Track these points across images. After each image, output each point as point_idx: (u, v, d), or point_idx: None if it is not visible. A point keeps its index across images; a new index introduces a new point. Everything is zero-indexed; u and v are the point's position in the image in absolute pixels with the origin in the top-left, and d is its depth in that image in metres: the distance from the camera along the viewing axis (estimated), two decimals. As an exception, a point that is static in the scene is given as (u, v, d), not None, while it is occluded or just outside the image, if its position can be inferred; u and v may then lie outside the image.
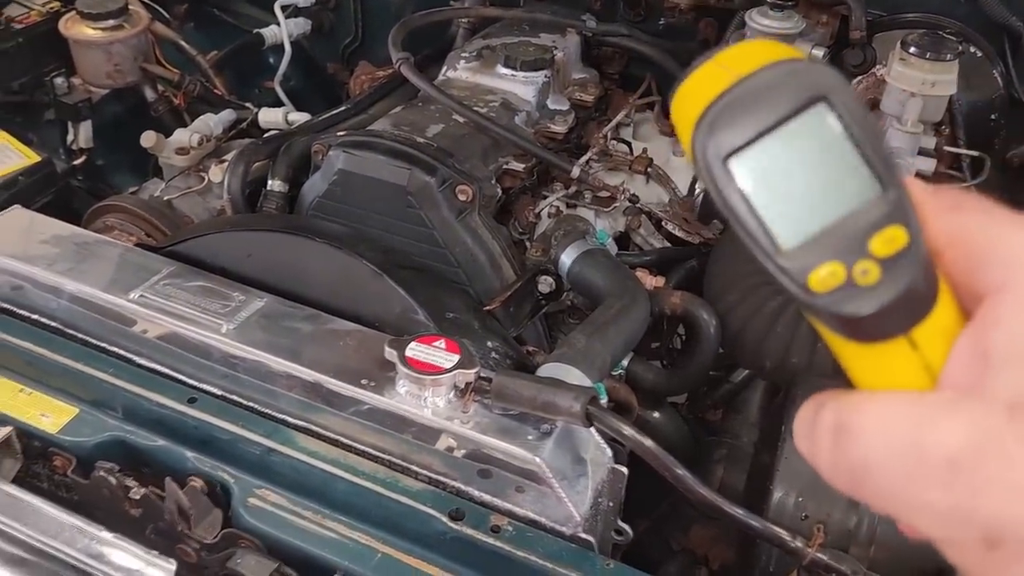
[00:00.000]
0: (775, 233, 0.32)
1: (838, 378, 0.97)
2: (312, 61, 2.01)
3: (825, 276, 0.31)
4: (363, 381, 0.84)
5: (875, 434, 0.31)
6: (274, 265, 0.97)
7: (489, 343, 0.94)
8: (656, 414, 1.22)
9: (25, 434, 0.89)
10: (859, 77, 1.48)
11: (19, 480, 0.89)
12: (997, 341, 0.30)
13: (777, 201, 0.32)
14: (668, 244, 1.39)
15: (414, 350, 0.82)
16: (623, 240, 1.38)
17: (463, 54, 1.47)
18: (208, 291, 0.93)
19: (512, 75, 1.42)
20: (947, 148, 1.40)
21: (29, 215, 1.04)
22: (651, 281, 1.18)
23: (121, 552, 0.73)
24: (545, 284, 1.15)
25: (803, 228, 0.32)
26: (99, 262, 0.97)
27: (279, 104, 1.77)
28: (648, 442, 0.76)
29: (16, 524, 0.79)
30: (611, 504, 0.86)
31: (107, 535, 0.78)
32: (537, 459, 0.78)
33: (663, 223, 1.37)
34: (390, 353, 0.83)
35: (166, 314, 0.90)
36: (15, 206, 1.06)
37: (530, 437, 0.80)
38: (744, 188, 0.32)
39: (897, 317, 0.32)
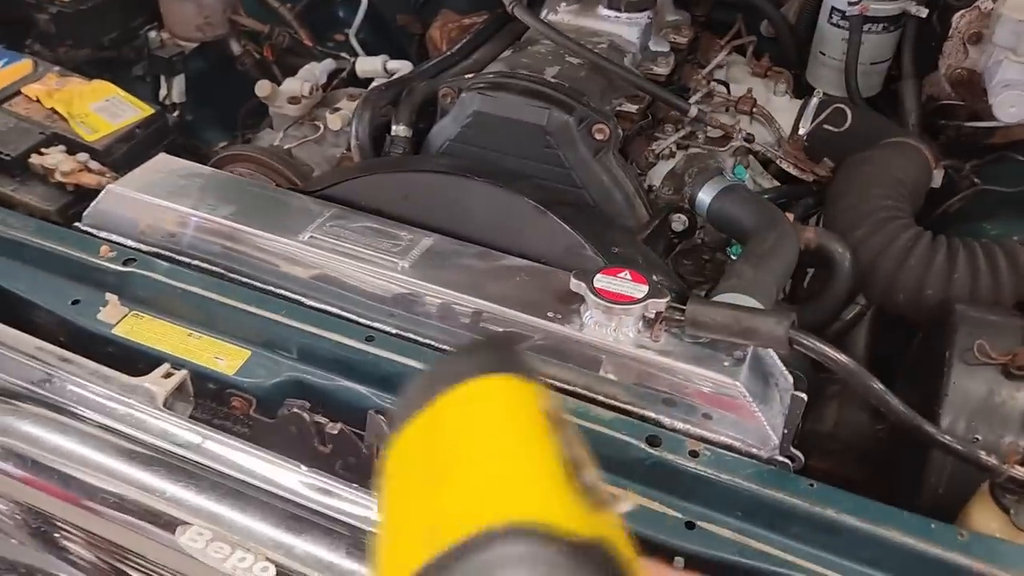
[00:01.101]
0: None
1: (991, 308, 0.97)
2: (379, 14, 1.99)
3: None
4: (549, 314, 0.85)
5: None
6: (433, 205, 0.97)
7: (654, 276, 0.94)
8: (781, 350, 1.23)
9: (199, 376, 0.90)
10: (962, 11, 1.46)
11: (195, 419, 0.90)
12: None
13: None
14: (776, 184, 1.39)
15: (602, 281, 0.83)
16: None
17: (563, -3, 1.45)
18: (375, 231, 0.93)
19: (616, 16, 1.41)
20: (1058, 79, 1.39)
21: (178, 162, 1.04)
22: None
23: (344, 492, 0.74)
24: (679, 222, 1.15)
25: None
26: (259, 205, 0.97)
27: (354, 56, 1.76)
28: (851, 363, 0.77)
29: (217, 464, 0.80)
30: (787, 429, 0.87)
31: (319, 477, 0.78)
32: (738, 383, 0.79)
33: (777, 161, 1.37)
34: (577, 285, 0.83)
35: (340, 254, 0.90)
36: (161, 154, 1.05)
37: (726, 363, 0.81)
38: None
39: None
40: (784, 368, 0.85)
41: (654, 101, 1.31)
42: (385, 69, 1.47)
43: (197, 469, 0.78)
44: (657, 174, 1.29)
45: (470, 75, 1.20)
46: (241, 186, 1.01)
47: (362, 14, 1.80)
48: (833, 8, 1.49)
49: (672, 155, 1.32)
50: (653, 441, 0.80)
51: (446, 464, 0.30)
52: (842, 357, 0.77)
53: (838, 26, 1.49)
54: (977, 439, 0.90)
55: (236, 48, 1.60)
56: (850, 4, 1.43)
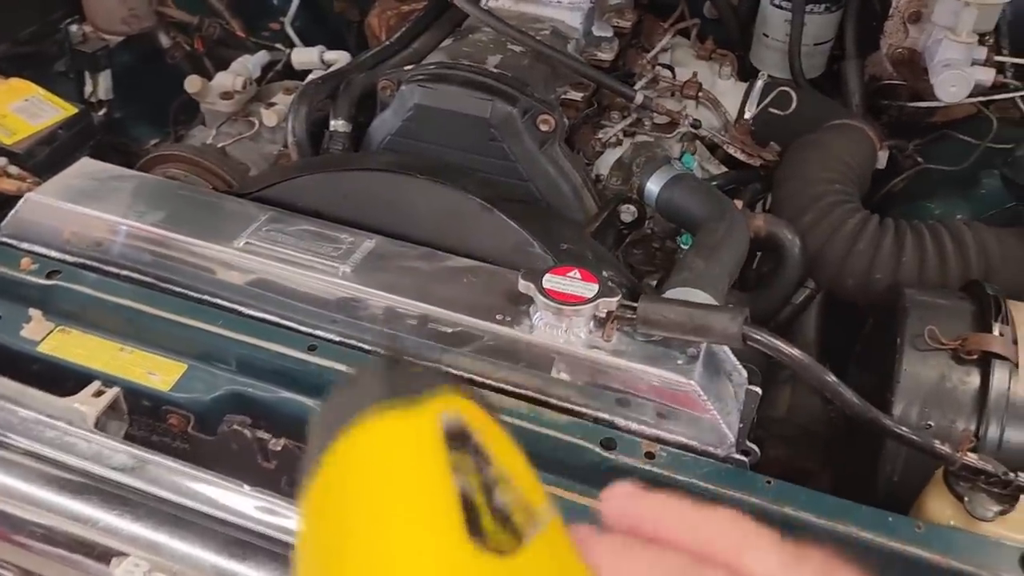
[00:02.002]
0: None
1: (940, 292, 0.97)
2: (316, 1, 1.93)
3: None
4: (498, 316, 0.82)
5: None
6: (375, 206, 0.93)
7: (604, 272, 0.92)
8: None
9: (133, 394, 0.85)
10: (902, -10, 1.46)
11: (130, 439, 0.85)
12: None
13: None
14: (724, 169, 1.38)
15: (551, 281, 0.80)
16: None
17: (503, -18, 1.42)
18: (315, 234, 0.89)
19: (557, 1, 1.38)
20: (997, 57, 1.40)
21: (104, 166, 0.99)
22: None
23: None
24: (628, 213, 1.13)
25: None
26: (191, 210, 0.92)
27: (290, 46, 1.70)
28: (805, 357, 0.76)
29: (154, 487, 0.76)
30: (742, 425, 0.86)
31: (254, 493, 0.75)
32: (692, 382, 0.77)
33: (723, 146, 1.36)
34: (526, 286, 0.80)
35: (278, 260, 0.87)
36: (84, 159, 1.00)
37: (680, 362, 0.79)
38: None
39: None
40: (738, 363, 0.84)
41: (599, 88, 1.29)
42: (322, 60, 1.42)
43: (132, 494, 0.74)
44: (605, 163, 1.27)
45: (410, 67, 1.16)
46: (172, 190, 0.96)
47: (297, 2, 1.73)
48: (775, -11, 1.48)
49: (619, 143, 1.30)
50: (608, 444, 0.78)
51: (340, 532, 0.29)
52: (795, 352, 0.76)
53: (780, 7, 1.48)
54: (930, 426, 0.91)
55: (165, 41, 1.54)
56: (792, -15, 1.42)
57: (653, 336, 0.81)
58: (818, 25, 1.48)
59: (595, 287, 0.80)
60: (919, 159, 1.52)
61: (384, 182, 0.94)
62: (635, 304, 0.79)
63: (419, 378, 0.32)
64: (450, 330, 0.83)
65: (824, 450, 1.17)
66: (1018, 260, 1.12)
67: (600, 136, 1.25)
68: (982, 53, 1.36)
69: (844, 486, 1.02)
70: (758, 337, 0.76)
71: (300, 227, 0.90)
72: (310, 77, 1.31)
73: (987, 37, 1.44)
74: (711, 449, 0.79)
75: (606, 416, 0.81)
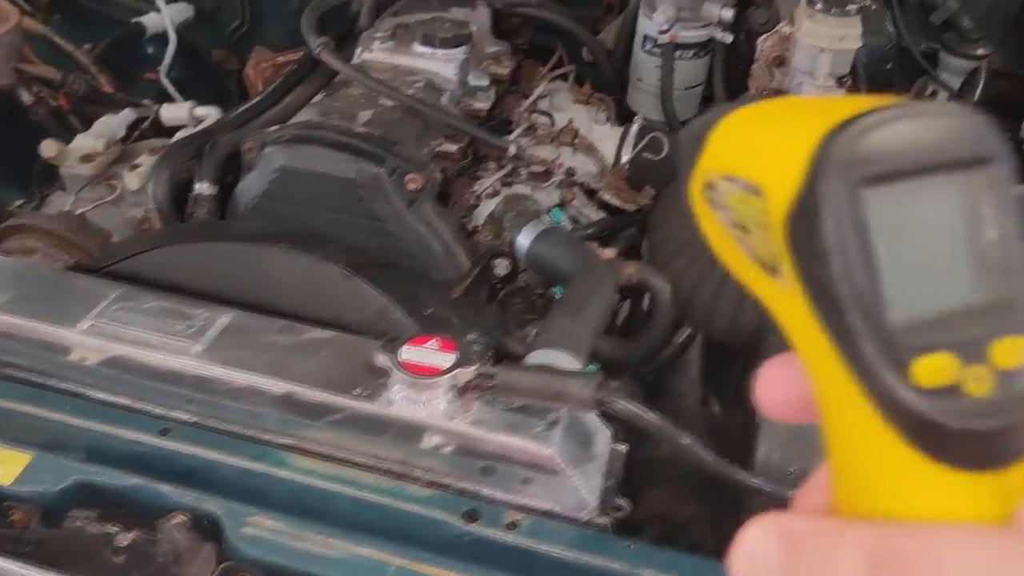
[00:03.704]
0: (887, 295, 0.26)
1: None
2: (196, 49, 1.89)
3: (935, 368, 0.26)
4: (356, 391, 0.81)
5: (959, 567, 0.24)
6: (234, 277, 0.91)
7: (470, 336, 0.92)
8: (614, 384, 1.23)
9: (-28, 490, 0.81)
10: (764, 35, 1.52)
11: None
12: None
13: (900, 261, 0.26)
14: (602, 215, 1.40)
15: (408, 353, 0.79)
16: (561, 214, 1.38)
17: (377, 35, 1.42)
18: (167, 311, 0.86)
19: (432, 53, 1.38)
20: (855, 100, 1.47)
21: (-64, 245, 0.94)
22: (605, 253, 1.18)
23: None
24: (501, 267, 1.13)
25: (920, 305, 0.26)
26: (38, 291, 0.88)
27: (165, 98, 1.66)
28: (660, 421, 0.77)
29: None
30: (610, 482, 0.87)
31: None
32: (550, 450, 0.78)
33: (598, 193, 1.38)
34: (382, 359, 0.80)
35: (125, 342, 0.83)
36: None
37: (539, 429, 0.79)
38: (873, 226, 0.26)
39: (996, 445, 0.26)
40: (602, 424, 0.84)
41: (475, 139, 1.30)
42: (193, 116, 1.39)
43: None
44: (481, 215, 1.27)
45: (275, 127, 1.14)
46: (17, 270, 0.92)
47: (171, 52, 1.70)
48: (645, 36, 1.52)
49: (497, 193, 1.31)
50: (471, 516, 0.77)
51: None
52: (651, 416, 0.77)
53: (651, 53, 1.52)
54: (792, 472, 0.93)
55: (27, 97, 1.48)
56: (660, 33, 1.46)
57: (515, 403, 0.80)
58: (688, 70, 1.52)
59: (453, 357, 0.79)
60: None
61: (243, 252, 0.92)
62: (493, 372, 0.79)
63: None
64: (308, 406, 0.81)
65: (706, 492, 1.19)
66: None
67: (475, 188, 1.26)
68: (840, 96, 1.43)
69: (724, 527, 1.04)
70: (613, 403, 0.77)
71: (152, 304, 0.87)
72: (178, 135, 1.28)
73: (845, 79, 1.51)
74: (574, 514, 0.79)
75: (470, 487, 0.80)
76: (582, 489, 0.79)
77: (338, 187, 1.04)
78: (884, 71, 1.55)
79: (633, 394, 1.26)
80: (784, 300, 0.29)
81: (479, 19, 1.53)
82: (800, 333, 0.29)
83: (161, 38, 1.74)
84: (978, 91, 1.54)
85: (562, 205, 1.37)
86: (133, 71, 1.79)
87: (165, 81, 1.69)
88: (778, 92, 1.54)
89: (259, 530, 0.79)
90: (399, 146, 1.11)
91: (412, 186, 1.07)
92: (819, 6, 1.37)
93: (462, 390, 0.80)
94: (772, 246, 0.29)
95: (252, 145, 1.09)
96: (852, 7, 1.36)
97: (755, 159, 0.29)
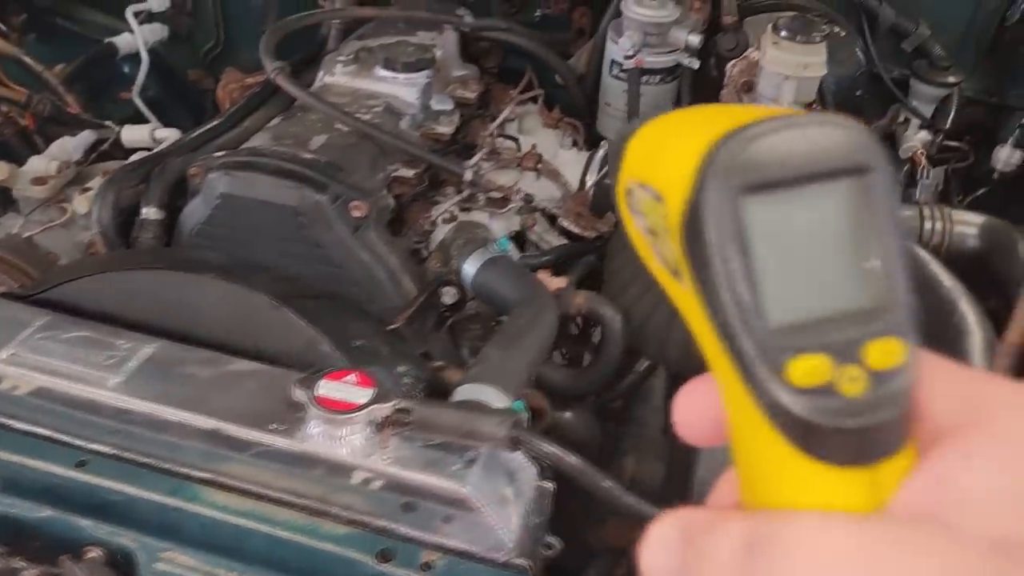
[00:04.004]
0: (765, 299, 0.27)
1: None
2: (171, 69, 1.89)
3: (809, 368, 0.27)
4: (272, 426, 0.80)
5: (817, 555, 0.25)
6: (161, 305, 0.90)
7: (400, 367, 0.91)
8: (567, 414, 1.22)
9: None
10: (733, 61, 1.51)
11: None
12: (969, 478, 0.27)
13: (779, 266, 0.28)
14: (564, 241, 1.39)
15: (325, 388, 0.78)
16: (519, 240, 1.37)
17: (339, 58, 1.41)
18: (90, 341, 0.85)
19: (393, 77, 1.38)
20: (821, 127, 1.45)
21: None
22: (554, 283, 1.17)
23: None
24: (448, 295, 1.12)
25: (797, 308, 0.27)
26: (-41, 319, 0.88)
27: (139, 118, 1.66)
28: (575, 460, 0.75)
29: None
30: (539, 520, 0.85)
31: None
32: (464, 489, 0.76)
33: (558, 219, 1.36)
34: (299, 394, 0.78)
35: (44, 372, 0.82)
36: None
37: (455, 467, 0.78)
38: (752, 232, 0.27)
39: (868, 443, 0.28)
40: (527, 461, 0.83)
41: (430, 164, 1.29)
42: (153, 138, 1.39)
43: None
44: (436, 241, 1.26)
45: (220, 152, 1.13)
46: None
47: (144, 72, 1.70)
48: (613, 61, 1.51)
49: (454, 219, 1.30)
50: (385, 555, 0.76)
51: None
52: (569, 458, 0.75)
53: (618, 78, 1.51)
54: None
55: (-8, 117, 1.48)
56: (626, 58, 1.45)
57: (433, 440, 0.79)
58: (655, 95, 1.51)
59: (370, 392, 0.78)
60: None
61: (171, 281, 0.91)
62: (410, 408, 0.78)
63: None
64: (224, 440, 0.80)
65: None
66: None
67: (431, 214, 1.25)
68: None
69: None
70: (527, 442, 0.75)
71: (76, 333, 0.86)
72: (132, 157, 1.27)
73: (814, 105, 1.50)
74: (490, 555, 0.77)
75: (387, 525, 0.79)
76: (499, 529, 0.77)
77: (279, 215, 1.04)
78: (854, 98, 1.54)
79: (589, 426, 1.26)
80: (688, 304, 0.30)
81: (446, 43, 1.52)
82: (702, 336, 0.30)
83: (137, 58, 1.74)
84: (950, 118, 1.52)
85: (522, 231, 1.36)
86: (109, 91, 1.80)
87: (138, 101, 1.69)
88: (747, 118, 1.53)
89: (172, 566, 0.78)
90: (345, 172, 1.11)
91: (356, 213, 1.06)
92: (783, 33, 1.35)
93: (380, 426, 0.79)
94: (674, 251, 0.30)
95: (197, 170, 1.08)
96: (817, 35, 1.35)
97: (658, 167, 0.31)
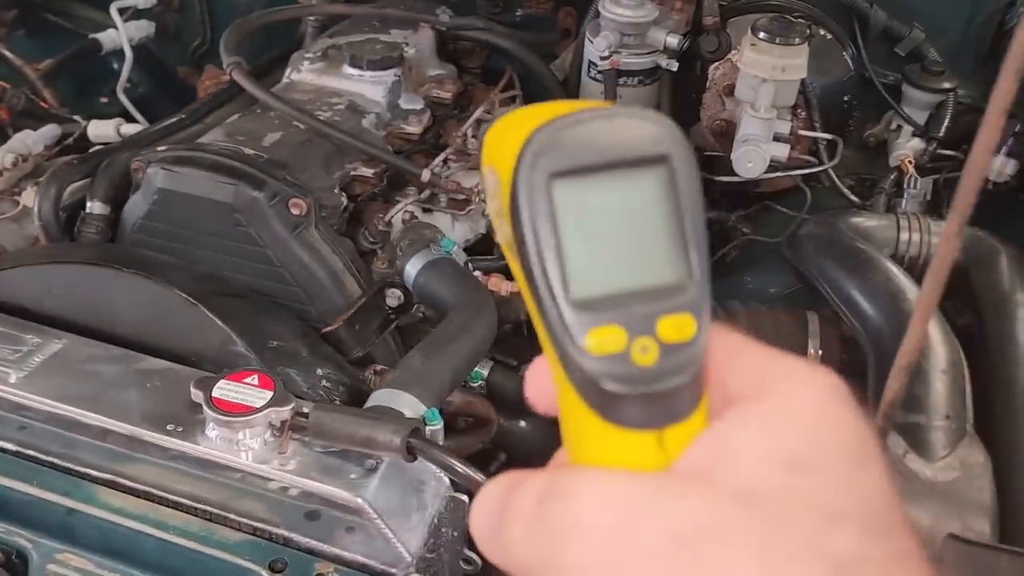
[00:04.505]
0: (569, 275, 0.30)
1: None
2: (161, 65, 1.89)
3: (606, 338, 0.29)
4: (169, 427, 0.77)
5: (592, 501, 0.29)
6: (78, 301, 0.88)
7: (319, 370, 0.88)
8: (522, 423, 1.18)
9: None
10: (715, 63, 1.46)
11: None
12: (740, 439, 0.30)
13: (584, 244, 0.30)
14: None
15: (222, 389, 0.75)
16: (486, 243, 1.33)
17: (307, 55, 1.39)
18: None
19: (359, 75, 1.35)
20: (802, 132, 1.40)
21: None
22: (508, 287, 1.13)
23: None
24: (393, 297, 1.09)
25: (599, 283, 0.30)
26: None
27: (128, 114, 1.66)
28: (476, 474, 0.71)
29: None
30: (456, 533, 0.81)
31: None
32: (359, 499, 0.73)
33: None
34: (196, 395, 0.76)
35: (-54, 365, 0.81)
36: None
37: (353, 476, 0.74)
38: (559, 215, 0.30)
39: (657, 410, 0.30)
40: (439, 471, 0.79)
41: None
42: (119, 133, 1.38)
43: None
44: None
45: (162, 147, 1.11)
46: None
47: (128, 68, 1.69)
48: (590, 62, 1.47)
49: (415, 219, 1.27)
50: (276, 567, 0.73)
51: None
52: (465, 468, 0.72)
53: (596, 79, 1.47)
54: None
55: (-32, 111, 1.48)
56: (602, 59, 1.41)
57: (333, 447, 0.76)
58: (634, 98, 1.47)
59: (268, 394, 0.75)
60: (745, 230, 1.52)
61: (87, 276, 0.89)
62: (307, 413, 0.75)
63: None
64: (121, 440, 0.77)
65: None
66: (787, 338, 1.10)
67: (382, 214, 1.22)
68: (786, 127, 1.36)
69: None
70: (425, 451, 0.72)
71: (-16, 327, 0.84)
72: (92, 151, 1.26)
73: (799, 111, 1.44)
74: (387, 569, 0.74)
75: (284, 533, 0.76)
76: (398, 543, 0.73)
77: (215, 211, 1.01)
78: (841, 104, 1.48)
79: (547, 435, 1.22)
80: (520, 280, 0.32)
81: (421, 41, 1.50)
82: (530, 310, 0.32)
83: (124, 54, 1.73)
84: (943, 126, 1.46)
85: (488, 234, 1.32)
86: (98, 87, 1.81)
87: (122, 97, 1.69)
88: (729, 121, 1.48)
89: (65, 568, 0.75)
90: (291, 170, 1.08)
91: (296, 211, 1.04)
92: (762, 35, 1.30)
93: (279, 430, 0.76)
94: (506, 230, 0.32)
95: (139, 165, 1.06)
96: (797, 37, 1.30)
97: (498, 153, 0.32)
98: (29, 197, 1.16)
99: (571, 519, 0.28)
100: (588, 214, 0.30)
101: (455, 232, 1.30)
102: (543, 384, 0.33)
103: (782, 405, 0.30)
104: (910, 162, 1.41)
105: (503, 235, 0.33)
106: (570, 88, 1.56)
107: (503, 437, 1.13)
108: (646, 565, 0.27)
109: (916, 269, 1.19)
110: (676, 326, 0.29)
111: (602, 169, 0.30)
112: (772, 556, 0.27)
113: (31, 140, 1.28)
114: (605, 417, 0.30)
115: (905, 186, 1.39)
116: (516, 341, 1.20)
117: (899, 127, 1.51)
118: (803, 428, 0.30)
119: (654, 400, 0.29)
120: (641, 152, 0.30)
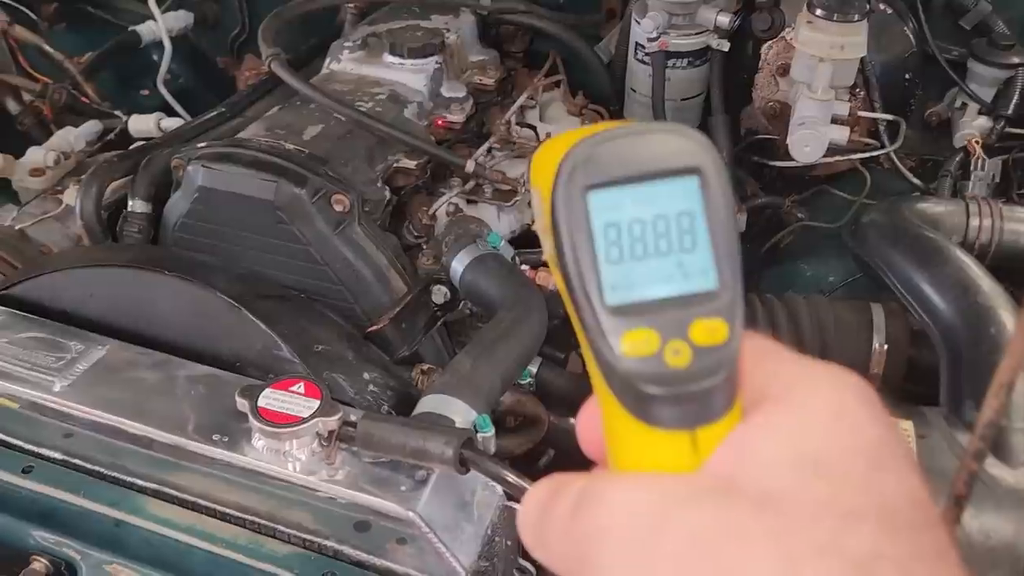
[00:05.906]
0: (605, 283, 0.31)
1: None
2: (202, 56, 1.88)
3: (639, 341, 0.31)
4: (215, 436, 0.75)
5: (620, 507, 0.30)
6: (120, 304, 0.87)
7: (366, 374, 0.85)
8: (571, 420, 1.15)
9: None
10: (768, 42, 1.40)
11: None
12: (758, 441, 0.31)
13: (619, 253, 0.32)
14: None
15: (268, 398, 0.73)
16: (533, 235, 1.30)
17: (347, 44, 1.36)
18: (41, 342, 0.82)
19: (400, 63, 1.32)
20: (861, 113, 1.33)
21: None
22: (554, 282, 1.09)
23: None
24: (439, 294, 1.06)
25: (634, 290, 0.31)
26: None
27: (169, 106, 1.64)
28: (527, 484, 0.68)
29: None
30: (509, 543, 0.79)
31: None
32: (411, 513, 0.70)
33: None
34: (241, 404, 0.73)
35: (-9, 374, 0.80)
36: None
37: (403, 488, 0.72)
38: (594, 226, 0.31)
39: (689, 410, 0.31)
40: (491, 480, 0.76)
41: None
42: (159, 128, 1.36)
43: None
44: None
45: (203, 143, 1.09)
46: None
47: (167, 60, 1.68)
48: (637, 44, 1.42)
49: (459, 211, 1.23)
50: (327, 580, 0.71)
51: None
52: (518, 480, 0.68)
53: (644, 62, 1.42)
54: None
55: (14, 106, 1.48)
56: (649, 40, 1.36)
57: (382, 457, 0.73)
58: (683, 80, 1.42)
59: (315, 403, 0.73)
60: (800, 215, 1.46)
61: (129, 279, 0.87)
62: (355, 422, 0.72)
63: None
64: (166, 449, 0.76)
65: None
66: (851, 333, 1.05)
67: (427, 207, 1.18)
68: (844, 108, 1.29)
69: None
70: (477, 463, 0.69)
71: (29, 334, 0.83)
72: (133, 146, 1.25)
73: (858, 91, 1.38)
74: (442, 584, 0.71)
75: (335, 545, 0.73)
76: (450, 556, 0.71)
77: (257, 209, 0.99)
78: (903, 82, 1.41)
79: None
80: (563, 294, 0.33)
81: (462, 27, 1.46)
82: (573, 321, 0.33)
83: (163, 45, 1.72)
84: (1012, 103, 1.38)
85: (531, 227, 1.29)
86: (140, 80, 1.80)
87: (163, 89, 1.68)
88: (783, 103, 1.42)
89: (114, 580, 0.74)
90: (333, 164, 1.05)
91: (339, 207, 1.01)
92: (819, 11, 1.24)
93: (327, 440, 0.73)
94: (550, 244, 0.33)
95: (178, 162, 1.04)
96: (856, 13, 1.23)
97: (541, 172, 0.34)
98: (71, 195, 1.15)
99: (600, 523, 0.30)
100: (622, 224, 0.32)
101: (501, 223, 1.27)
102: (593, 430, 0.35)
103: (801, 407, 0.31)
104: (977, 142, 1.34)
105: (547, 251, 0.34)
106: (615, 71, 1.51)
107: (551, 434, 1.10)
108: (667, 565, 0.29)
109: (987, 257, 1.12)
110: (708, 330, 0.31)
111: (636, 180, 0.31)
112: (789, 555, 0.28)
113: (73, 137, 1.27)
114: (640, 418, 0.31)
115: (972, 168, 1.32)
116: (564, 334, 1.17)
117: (964, 105, 1.43)
118: (821, 429, 0.31)
119: (687, 401, 0.31)
120: (673, 164, 0.32)
